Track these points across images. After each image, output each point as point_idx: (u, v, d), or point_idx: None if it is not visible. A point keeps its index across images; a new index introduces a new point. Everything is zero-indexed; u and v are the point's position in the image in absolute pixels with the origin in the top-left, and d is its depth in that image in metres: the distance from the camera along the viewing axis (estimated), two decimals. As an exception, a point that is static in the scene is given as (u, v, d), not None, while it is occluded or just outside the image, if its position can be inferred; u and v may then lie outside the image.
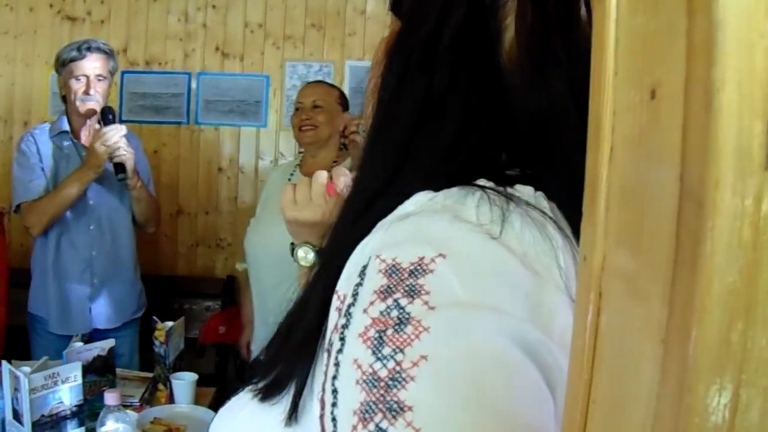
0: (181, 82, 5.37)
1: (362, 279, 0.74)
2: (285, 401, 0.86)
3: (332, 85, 3.79)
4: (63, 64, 3.68)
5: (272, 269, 3.42)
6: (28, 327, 3.87)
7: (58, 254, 3.72)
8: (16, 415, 2.49)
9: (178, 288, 4.77)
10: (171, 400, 3.00)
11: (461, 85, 0.86)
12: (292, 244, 1.55)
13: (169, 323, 3.09)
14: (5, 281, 3.87)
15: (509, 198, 0.79)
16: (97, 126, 3.58)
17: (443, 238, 0.74)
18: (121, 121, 3.62)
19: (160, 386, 3.06)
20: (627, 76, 0.53)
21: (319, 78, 5.09)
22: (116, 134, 3.45)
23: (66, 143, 3.75)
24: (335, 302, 0.78)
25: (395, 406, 0.65)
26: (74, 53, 3.64)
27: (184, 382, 2.97)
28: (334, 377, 0.72)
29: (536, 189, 0.82)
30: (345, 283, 0.78)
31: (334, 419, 0.71)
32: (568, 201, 0.80)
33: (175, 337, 3.12)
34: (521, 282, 0.73)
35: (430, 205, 0.79)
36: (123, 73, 5.34)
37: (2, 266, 3.86)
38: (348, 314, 0.74)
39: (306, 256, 1.51)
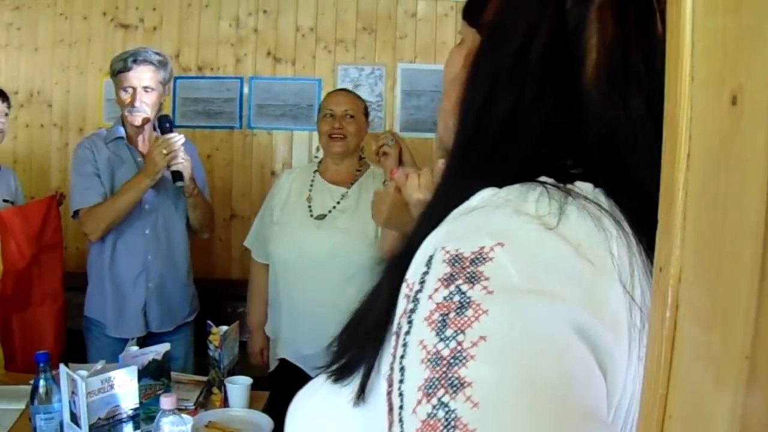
0: (234, 87, 5.39)
1: (428, 268, 0.80)
2: (354, 383, 0.94)
3: (358, 96, 3.80)
4: (114, 74, 3.75)
5: (305, 272, 3.48)
6: (84, 330, 3.91)
7: (113, 258, 3.77)
8: (74, 418, 2.50)
9: (232, 292, 4.77)
10: (225, 403, 2.99)
11: (546, 100, 0.92)
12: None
13: (224, 327, 3.09)
14: (61, 261, 3.99)
15: (567, 193, 0.85)
16: (155, 134, 3.59)
17: (502, 229, 0.80)
18: (175, 127, 3.64)
19: (215, 390, 3.06)
20: (705, 81, 0.51)
21: (371, 81, 5.08)
22: (175, 144, 3.50)
23: (122, 149, 3.79)
24: (404, 290, 0.83)
25: (456, 382, 0.71)
26: (121, 64, 3.69)
27: (238, 386, 2.97)
28: (402, 357, 0.77)
29: (595, 186, 0.88)
30: (413, 272, 0.83)
31: (401, 395, 0.76)
32: (630, 198, 0.87)
33: (229, 341, 3.12)
34: (575, 270, 0.78)
35: (494, 200, 0.85)
36: (175, 78, 5.34)
37: (59, 248, 3.97)
38: (415, 300, 0.79)
39: None
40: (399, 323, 0.81)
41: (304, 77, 5.34)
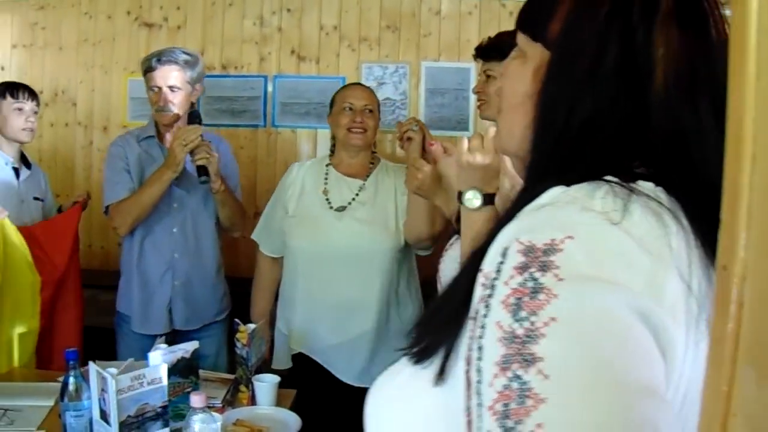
0: (258, 86, 5.39)
1: (504, 258, 0.89)
2: (435, 365, 1.02)
3: (374, 91, 3.81)
4: (143, 74, 3.80)
5: (326, 264, 3.48)
6: (115, 325, 3.98)
7: (141, 256, 3.82)
8: (103, 416, 2.52)
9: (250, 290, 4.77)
10: (253, 401, 3.00)
11: (619, 108, 1.00)
12: (459, 192, 1.82)
13: (252, 325, 3.09)
14: (67, 266, 3.90)
15: (630, 191, 0.94)
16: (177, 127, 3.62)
17: (571, 223, 0.89)
18: (201, 120, 3.68)
19: (242, 388, 3.06)
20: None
21: (395, 79, 5.08)
22: (192, 133, 3.52)
23: (152, 147, 3.85)
24: (480, 279, 0.92)
25: (529, 357, 0.80)
26: (147, 64, 3.76)
27: (266, 384, 2.98)
28: (480, 337, 0.87)
29: (657, 185, 0.97)
30: (489, 263, 0.92)
31: (479, 370, 0.86)
32: (690, 196, 0.96)
33: (257, 340, 3.12)
34: (638, 261, 0.87)
35: (563, 197, 0.95)
36: (200, 77, 5.39)
37: (67, 251, 3.91)
38: (492, 286, 0.88)
39: (473, 198, 1.77)
40: (476, 308, 0.90)
41: (329, 75, 5.33)
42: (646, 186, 0.96)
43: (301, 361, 3.55)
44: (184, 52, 3.82)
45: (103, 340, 3.93)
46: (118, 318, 3.96)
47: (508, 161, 1.64)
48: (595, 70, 1.00)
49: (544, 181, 1.01)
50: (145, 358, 2.79)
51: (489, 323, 0.86)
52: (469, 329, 0.91)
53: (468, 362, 0.89)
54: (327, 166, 3.67)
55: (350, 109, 3.56)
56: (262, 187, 5.38)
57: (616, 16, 1.00)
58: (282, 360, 3.63)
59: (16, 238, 3.52)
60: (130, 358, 2.76)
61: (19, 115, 3.96)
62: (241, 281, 4.20)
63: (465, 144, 1.78)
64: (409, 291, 3.60)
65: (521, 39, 1.14)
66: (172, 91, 3.75)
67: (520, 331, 0.82)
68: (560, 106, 1.03)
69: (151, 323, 3.82)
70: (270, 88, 5.40)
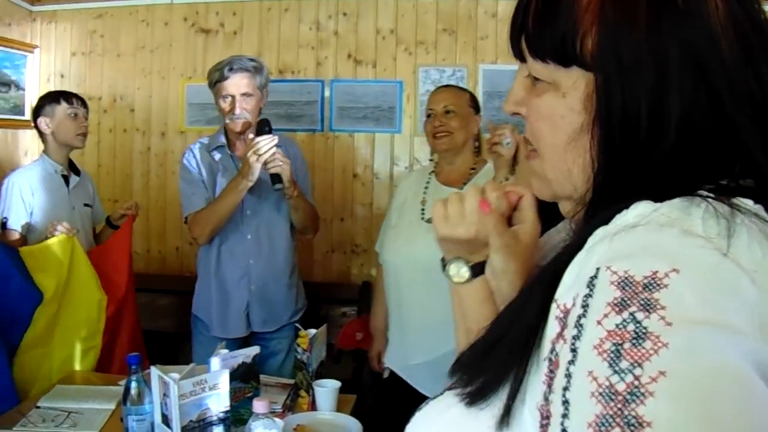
0: (315, 90, 5.39)
1: (591, 290, 0.76)
2: (494, 406, 0.90)
3: (462, 88, 3.70)
4: (212, 85, 3.82)
5: (413, 278, 3.38)
6: (191, 327, 4.03)
7: (219, 263, 3.88)
8: (165, 420, 2.51)
9: (314, 294, 4.76)
10: (313, 407, 2.98)
11: (706, 101, 0.88)
12: (443, 259, 1.47)
13: (312, 331, 3.07)
14: (128, 284, 3.96)
15: (734, 208, 0.81)
16: (251, 136, 3.61)
17: (675, 253, 0.75)
18: (272, 128, 3.66)
19: (302, 393, 3.04)
20: None
21: (452, 83, 5.03)
22: (267, 144, 3.51)
23: (224, 156, 3.88)
24: (555, 311, 0.81)
25: (633, 420, 0.67)
26: (218, 74, 3.76)
27: (327, 389, 2.95)
28: (565, 388, 0.74)
29: (755, 202, 0.84)
30: (567, 293, 0.81)
31: (564, 430, 0.73)
32: None
33: (317, 345, 3.10)
34: (751, 300, 0.73)
35: (656, 217, 0.81)
36: (257, 82, 5.40)
37: (125, 270, 3.96)
38: (578, 325, 0.76)
39: (459, 272, 1.42)
40: (553, 349, 0.79)
41: (386, 79, 5.31)
42: (745, 203, 0.83)
43: (392, 378, 3.53)
44: (250, 59, 3.84)
45: (161, 343, 3.96)
46: (194, 322, 4.02)
47: (501, 229, 1.34)
48: (663, 68, 0.88)
49: (614, 198, 0.89)
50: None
51: (578, 372, 0.74)
52: (543, 373, 0.80)
53: (544, 415, 0.78)
54: (430, 174, 3.60)
55: (431, 114, 3.50)
56: (319, 191, 5.33)
57: (659, 4, 0.88)
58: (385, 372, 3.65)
59: (84, 256, 3.57)
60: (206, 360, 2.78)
61: (73, 120, 4.02)
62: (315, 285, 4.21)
63: (441, 211, 1.42)
64: None
65: (540, 70, 1.00)
66: (245, 97, 3.78)
67: (621, 386, 0.69)
68: (640, 116, 0.89)
69: (229, 327, 3.87)
70: (327, 93, 5.39)
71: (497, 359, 0.93)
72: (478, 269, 1.38)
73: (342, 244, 5.49)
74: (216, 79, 3.78)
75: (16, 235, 3.81)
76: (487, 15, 5.23)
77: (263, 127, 3.61)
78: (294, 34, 5.45)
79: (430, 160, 3.67)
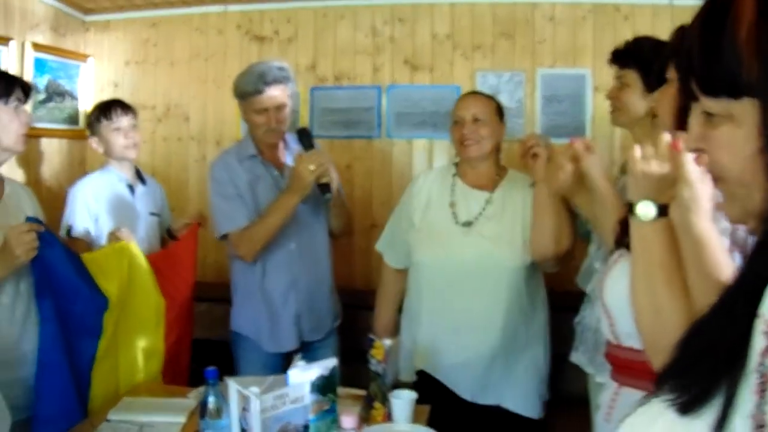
0: (371, 96, 5.36)
1: None
2: (707, 414, 0.92)
3: (489, 96, 3.66)
4: (242, 97, 3.76)
5: (451, 280, 3.41)
6: (231, 344, 3.97)
7: (264, 276, 3.82)
8: (244, 434, 2.48)
9: (372, 302, 4.72)
10: (389, 418, 2.92)
11: None
12: (629, 204, 1.70)
13: (388, 341, 3.02)
14: (190, 290, 3.95)
15: None
16: (297, 148, 3.59)
17: None
18: (312, 136, 3.64)
19: (376, 404, 2.99)
20: None
21: (510, 87, 4.98)
22: (320, 159, 3.48)
23: (257, 166, 3.84)
24: (760, 326, 0.84)
25: None
26: (252, 88, 3.70)
27: (403, 400, 2.90)
28: None
29: None
30: None
31: None
32: None
33: (393, 356, 3.04)
34: None
35: None
36: (312, 89, 5.40)
37: (189, 276, 3.93)
38: None
39: (647, 211, 1.65)
40: (762, 363, 0.83)
41: (443, 84, 5.26)
42: None
43: (423, 378, 3.49)
44: (278, 67, 3.77)
45: (218, 353, 3.93)
46: (236, 340, 3.95)
47: (691, 167, 1.52)
48: None
49: None
50: (271, 372, 2.85)
51: None
52: (753, 383, 0.84)
53: (760, 425, 0.82)
54: (453, 176, 3.58)
55: (459, 122, 3.47)
56: (377, 198, 5.35)
57: None
58: (407, 373, 3.54)
59: (143, 261, 3.55)
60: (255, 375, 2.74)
61: (117, 135, 3.97)
62: (354, 293, 4.18)
63: (638, 152, 1.67)
64: (534, 306, 3.50)
65: (714, 106, 1.05)
66: (281, 110, 3.74)
67: None
68: None
69: (281, 340, 3.83)
70: (384, 99, 5.36)
71: (707, 370, 0.95)
72: (663, 209, 1.62)
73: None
74: (249, 92, 3.71)
75: (81, 243, 3.78)
76: (544, 18, 5.17)
77: (304, 137, 3.58)
78: (350, 40, 5.43)
79: (455, 163, 3.63)
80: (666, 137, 1.62)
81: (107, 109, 4.00)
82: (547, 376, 3.52)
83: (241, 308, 3.94)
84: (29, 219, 2.98)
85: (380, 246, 3.81)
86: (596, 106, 5.00)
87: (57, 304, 3.06)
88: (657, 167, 1.63)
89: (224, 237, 3.79)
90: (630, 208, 1.70)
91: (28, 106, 3.20)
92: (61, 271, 3.08)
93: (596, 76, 5.02)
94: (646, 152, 1.64)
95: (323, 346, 3.87)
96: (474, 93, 3.77)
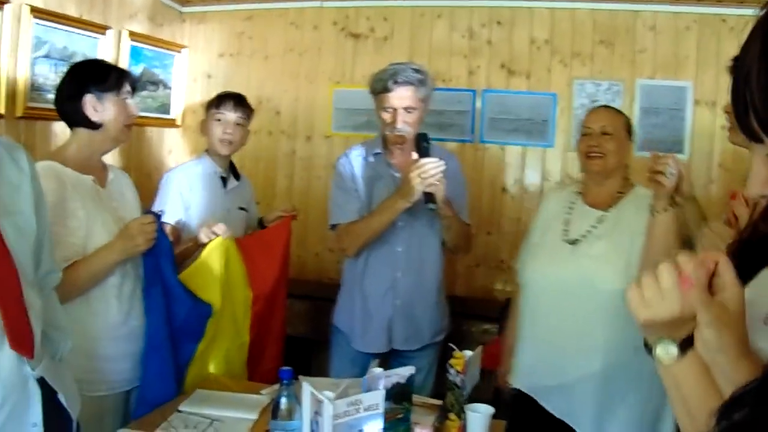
0: (466, 100, 5.29)
1: None
2: None
3: (619, 111, 3.53)
4: (374, 93, 3.75)
5: (552, 299, 3.28)
6: (330, 337, 4.01)
7: (365, 272, 3.82)
8: (315, 438, 2.46)
9: (455, 309, 4.66)
10: (463, 431, 2.85)
11: None
12: (645, 343, 1.44)
13: (468, 352, 2.96)
14: (277, 283, 3.91)
15: None
16: (414, 155, 3.52)
17: None
18: (430, 142, 3.57)
19: (452, 416, 2.92)
20: None
21: (608, 97, 4.89)
22: (435, 169, 3.42)
23: (380, 165, 3.83)
24: None
25: None
26: (381, 85, 3.68)
27: (480, 414, 2.82)
28: None
29: None
30: None
31: None
32: None
33: (473, 367, 2.99)
34: None
35: None
36: (406, 89, 5.33)
37: (276, 268, 3.90)
38: None
39: (667, 352, 1.36)
40: None
41: (539, 91, 5.18)
42: None
43: (521, 397, 3.37)
44: (416, 70, 3.73)
45: (296, 349, 3.92)
46: (334, 333, 3.98)
47: (711, 307, 1.24)
48: None
49: None
50: (359, 375, 2.82)
51: None
52: None
53: None
54: (576, 194, 3.47)
55: (587, 134, 3.35)
56: (468, 203, 5.25)
57: None
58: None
59: (236, 254, 3.57)
60: (345, 374, 2.71)
61: (218, 125, 4.00)
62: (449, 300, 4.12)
63: (637, 295, 1.33)
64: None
65: None
66: (408, 111, 3.69)
67: None
68: None
69: (370, 341, 3.82)
70: (479, 103, 5.29)
71: None
72: (686, 345, 1.33)
73: (487, 258, 5.37)
74: (379, 89, 3.70)
75: (169, 229, 3.76)
76: (645, 27, 5.04)
77: (421, 143, 3.52)
78: (446, 41, 5.37)
79: (578, 181, 3.52)
80: (668, 274, 1.28)
81: (222, 98, 4.06)
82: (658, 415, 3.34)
83: (341, 302, 3.98)
84: (148, 212, 3.14)
85: (517, 263, 3.71)
86: (696, 120, 4.87)
87: (165, 295, 3.16)
88: (667, 312, 1.30)
89: (333, 227, 3.83)
90: (645, 347, 1.45)
91: (133, 99, 3.27)
92: (168, 265, 3.18)
93: (698, 89, 4.88)
94: (648, 294, 1.32)
95: (417, 357, 3.80)
96: (605, 106, 3.64)
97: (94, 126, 3.13)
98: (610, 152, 3.28)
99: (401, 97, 3.66)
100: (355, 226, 3.70)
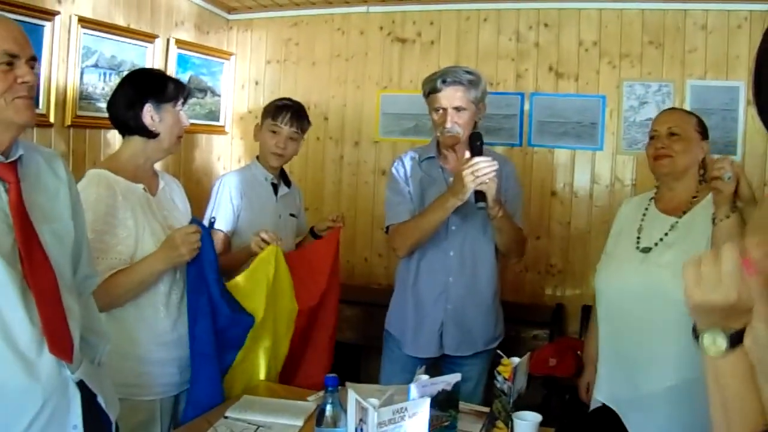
0: (514, 103, 5.26)
1: None
2: None
3: (690, 112, 3.46)
4: (426, 95, 3.74)
5: (625, 309, 3.19)
6: (383, 342, 3.98)
7: (417, 277, 3.80)
8: (360, 446, 2.44)
9: (504, 314, 4.63)
10: (510, 438, 2.83)
11: None
12: (694, 329, 1.30)
13: (516, 359, 2.92)
14: (336, 293, 3.93)
15: None
16: (467, 154, 3.48)
17: None
18: (483, 142, 3.54)
19: (499, 424, 2.88)
20: None
21: (657, 98, 4.82)
22: (488, 168, 3.37)
23: (433, 168, 3.81)
24: None
25: None
26: (431, 85, 3.68)
27: (527, 422, 2.78)
28: None
29: None
30: None
31: None
32: None
33: (520, 374, 2.94)
34: None
35: None
36: (453, 93, 5.31)
37: (323, 281, 3.86)
38: None
39: (714, 342, 1.24)
40: None
41: (588, 94, 5.11)
42: None
43: (602, 409, 3.31)
44: (467, 72, 3.71)
45: (346, 355, 3.91)
46: (385, 338, 3.97)
47: None
48: None
49: None
50: (409, 380, 2.74)
51: None
52: None
53: None
54: (650, 200, 3.39)
55: (655, 136, 3.27)
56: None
57: None
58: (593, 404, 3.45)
59: (285, 266, 3.56)
60: (395, 379, 2.72)
61: (272, 137, 4.00)
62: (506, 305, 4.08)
63: (693, 274, 1.23)
64: None
65: None
66: (457, 111, 3.66)
67: None
68: None
69: (421, 346, 3.79)
70: (527, 106, 5.25)
71: None
72: (736, 338, 1.21)
73: (536, 263, 5.31)
74: (429, 90, 3.69)
75: (221, 236, 3.86)
76: (696, 26, 4.95)
77: (474, 142, 3.49)
78: (493, 44, 5.33)
79: (656, 186, 3.44)
80: (730, 255, 1.18)
81: (280, 109, 4.04)
82: None
83: (393, 306, 3.96)
84: (194, 221, 3.13)
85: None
86: (749, 121, 4.77)
87: (210, 302, 3.16)
88: (722, 298, 1.20)
89: (388, 229, 3.82)
90: (694, 335, 1.31)
91: (183, 110, 3.30)
92: (212, 274, 3.16)
93: (751, 90, 4.78)
94: (705, 275, 1.22)
95: (468, 365, 3.78)
96: (673, 108, 3.60)
97: (150, 135, 3.17)
98: (678, 153, 3.18)
99: (450, 96, 3.63)
100: (406, 225, 3.68)
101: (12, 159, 2.19)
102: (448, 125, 3.64)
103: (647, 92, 4.98)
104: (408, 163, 3.83)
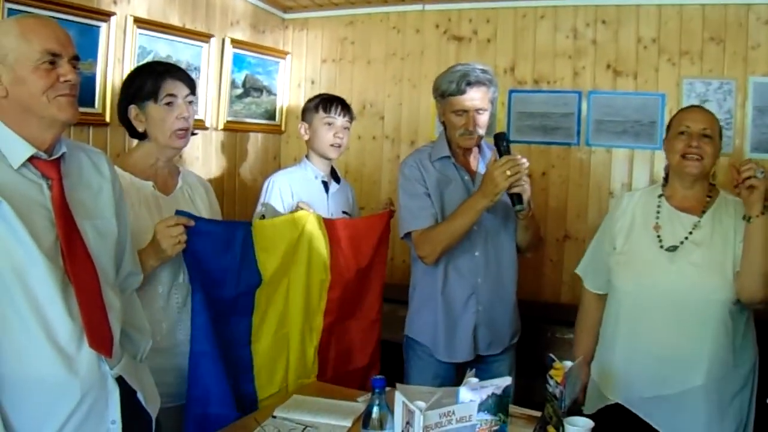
0: (571, 101, 5.18)
1: None
2: None
3: (715, 115, 3.38)
4: (442, 96, 3.69)
5: (654, 308, 3.20)
6: (404, 348, 3.92)
7: (446, 282, 3.73)
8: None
9: (557, 317, 4.57)
10: (562, 444, 2.78)
11: None
12: None
13: (569, 363, 2.87)
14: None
15: None
16: (495, 153, 3.45)
17: None
18: (509, 142, 3.47)
19: (550, 429, 2.83)
20: None
21: (719, 96, 4.72)
22: (518, 166, 3.33)
23: (448, 168, 3.76)
24: None
25: None
26: (454, 87, 3.62)
27: (579, 428, 2.73)
28: None
29: None
30: None
31: None
32: None
33: (573, 379, 2.89)
34: None
35: None
36: (511, 92, 5.28)
37: (365, 259, 3.86)
38: None
39: None
40: None
41: (647, 92, 5.01)
42: None
43: (617, 409, 3.29)
44: (482, 70, 3.67)
45: (397, 356, 3.88)
46: (409, 345, 3.90)
47: None
48: None
49: None
50: (440, 382, 2.92)
51: None
52: None
53: None
54: (659, 197, 3.36)
55: (686, 133, 3.22)
56: (572, 208, 5.18)
57: None
58: (591, 405, 3.41)
59: (322, 234, 3.56)
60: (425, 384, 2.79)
61: (328, 130, 4.01)
62: (539, 306, 4.06)
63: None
64: (745, 346, 3.21)
65: None
66: (480, 113, 3.65)
67: None
68: None
69: (456, 351, 3.74)
70: (584, 105, 5.16)
71: None
72: None
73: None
74: (450, 91, 3.64)
75: None
76: (759, 22, 4.81)
77: (501, 142, 3.42)
78: (550, 42, 5.26)
79: (663, 184, 3.40)
80: None
81: (329, 102, 4.05)
82: (751, 426, 3.26)
83: (418, 313, 3.87)
84: (178, 213, 3.04)
85: (580, 270, 3.65)
86: (814, 118, 4.66)
87: (208, 293, 3.12)
88: None
89: (407, 236, 3.73)
90: None
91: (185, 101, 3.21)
92: (211, 260, 3.14)
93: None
94: None
95: (499, 361, 3.78)
96: (701, 107, 3.52)
97: (142, 136, 3.18)
98: (708, 155, 3.18)
99: (474, 98, 3.61)
100: (435, 231, 3.60)
101: (55, 156, 2.24)
102: (472, 128, 3.63)
103: (708, 90, 4.86)
104: (422, 163, 3.75)
